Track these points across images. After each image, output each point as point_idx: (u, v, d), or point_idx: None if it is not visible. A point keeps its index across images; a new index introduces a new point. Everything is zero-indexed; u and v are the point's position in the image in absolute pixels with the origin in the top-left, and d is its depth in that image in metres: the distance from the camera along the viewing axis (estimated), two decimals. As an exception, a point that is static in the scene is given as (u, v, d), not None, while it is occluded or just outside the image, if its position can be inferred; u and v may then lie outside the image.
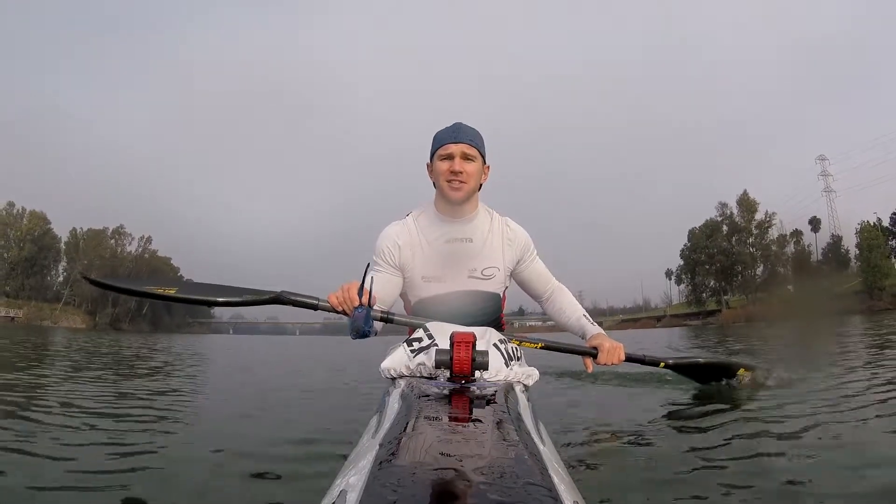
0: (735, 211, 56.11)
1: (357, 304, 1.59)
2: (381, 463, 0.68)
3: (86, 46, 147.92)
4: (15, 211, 60.69)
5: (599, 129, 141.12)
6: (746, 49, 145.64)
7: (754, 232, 55.03)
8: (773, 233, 54.39)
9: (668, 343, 12.44)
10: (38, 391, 3.68)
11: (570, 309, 2.12)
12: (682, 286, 60.58)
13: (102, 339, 18.17)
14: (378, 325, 1.76)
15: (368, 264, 1.65)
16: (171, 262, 70.05)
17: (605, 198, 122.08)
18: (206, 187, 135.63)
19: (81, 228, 65.20)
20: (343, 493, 0.64)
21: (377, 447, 0.75)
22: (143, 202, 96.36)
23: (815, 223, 55.80)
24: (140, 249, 67.94)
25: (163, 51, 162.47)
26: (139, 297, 1.95)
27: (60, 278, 63.64)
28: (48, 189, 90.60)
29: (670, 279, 61.22)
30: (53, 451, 1.94)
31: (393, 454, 0.72)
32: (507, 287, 2.05)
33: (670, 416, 2.58)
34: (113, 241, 66.52)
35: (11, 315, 52.53)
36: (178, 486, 1.60)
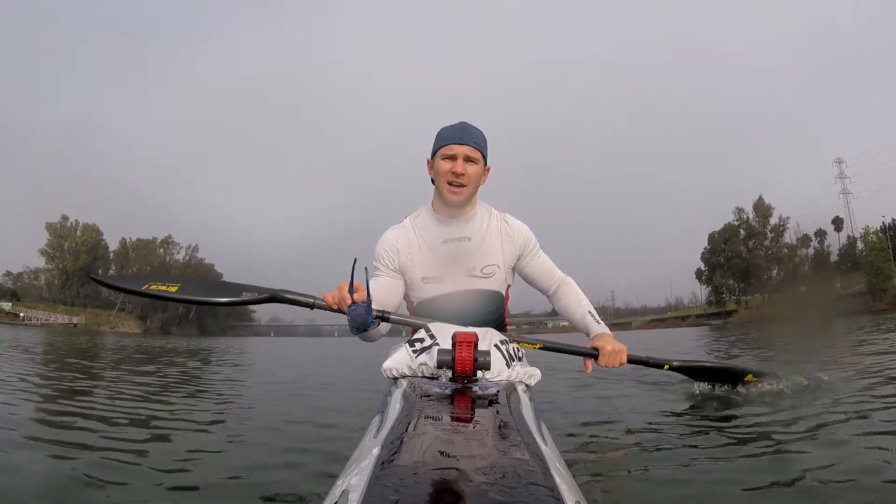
0: (751, 216, 55.32)
1: (349, 302, 1.55)
2: (383, 463, 0.67)
3: (85, 47, 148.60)
4: (69, 224, 62.85)
5: (616, 130, 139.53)
6: (769, 46, 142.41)
7: (769, 236, 54.13)
8: (790, 236, 53.57)
9: (672, 342, 12.15)
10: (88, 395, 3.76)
11: (576, 305, 1.99)
12: (708, 287, 59.93)
13: (157, 342, 18.56)
14: (384, 325, 1.72)
15: (356, 260, 1.56)
16: (215, 268, 71.20)
17: (635, 198, 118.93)
18: (212, 188, 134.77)
19: (131, 238, 67.27)
20: (345, 493, 0.63)
21: (379, 447, 0.74)
22: (156, 208, 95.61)
23: (837, 223, 54.74)
24: (187, 257, 69.37)
25: (165, 56, 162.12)
26: (142, 296, 1.90)
27: (109, 285, 65.19)
28: (79, 199, 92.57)
29: (700, 280, 60.45)
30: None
31: (395, 454, 0.70)
32: (509, 285, 1.98)
33: (674, 417, 2.49)
34: (161, 250, 68.18)
35: (75, 322, 54.37)
36: (177, 484, 1.58)
